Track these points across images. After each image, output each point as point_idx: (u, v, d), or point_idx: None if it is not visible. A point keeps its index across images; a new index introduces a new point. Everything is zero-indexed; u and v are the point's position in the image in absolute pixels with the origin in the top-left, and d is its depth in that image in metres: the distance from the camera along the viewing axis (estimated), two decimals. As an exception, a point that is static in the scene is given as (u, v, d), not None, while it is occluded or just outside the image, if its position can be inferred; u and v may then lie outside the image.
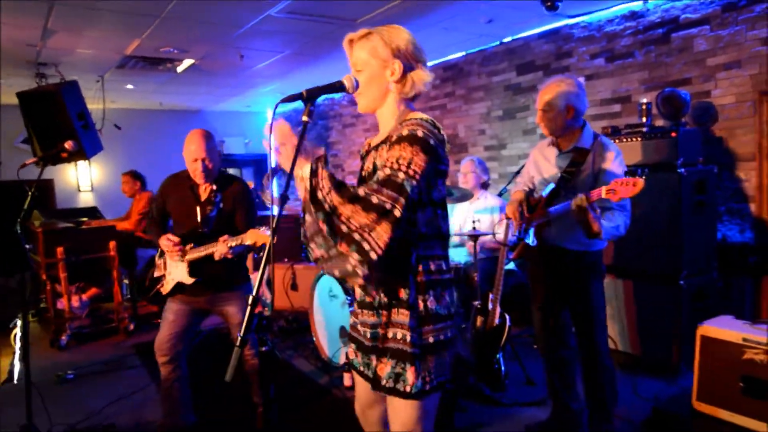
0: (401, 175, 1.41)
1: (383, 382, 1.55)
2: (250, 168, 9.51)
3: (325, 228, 1.41)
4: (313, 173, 1.43)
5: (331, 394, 3.57)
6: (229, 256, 2.62)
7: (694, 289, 3.45)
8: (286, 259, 5.60)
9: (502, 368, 3.37)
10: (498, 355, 3.33)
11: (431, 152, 1.46)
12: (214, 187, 2.84)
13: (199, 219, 2.80)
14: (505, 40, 5.32)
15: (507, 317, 3.28)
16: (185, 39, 4.62)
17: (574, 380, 2.75)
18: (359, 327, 1.68)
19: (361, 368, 1.68)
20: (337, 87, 1.54)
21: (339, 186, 1.42)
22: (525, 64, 5.19)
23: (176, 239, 2.73)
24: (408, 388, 1.50)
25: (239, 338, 1.34)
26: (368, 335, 1.62)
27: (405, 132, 1.47)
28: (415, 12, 4.23)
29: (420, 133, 1.46)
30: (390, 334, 1.55)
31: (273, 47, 5.10)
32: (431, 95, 6.30)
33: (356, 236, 1.38)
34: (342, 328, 3.92)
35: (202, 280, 2.76)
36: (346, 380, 3.65)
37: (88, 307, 5.11)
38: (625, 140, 3.61)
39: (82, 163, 7.43)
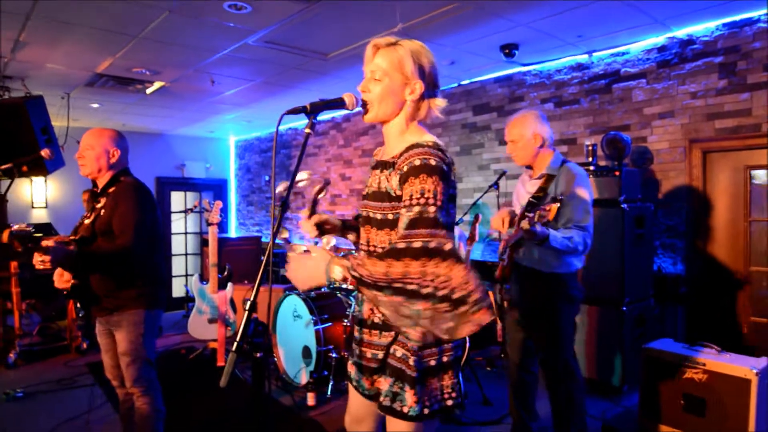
0: (432, 209, 1.42)
1: (381, 399, 1.55)
2: (209, 192, 9.48)
3: (399, 299, 1.37)
4: (350, 269, 1.42)
5: (295, 414, 3.62)
6: (43, 266, 2.22)
7: (634, 315, 3.78)
8: (246, 281, 5.63)
9: (462, 388, 3.54)
10: (457, 375, 3.50)
11: (447, 179, 1.47)
12: (99, 191, 2.58)
13: (79, 230, 2.53)
14: (463, 82, 5.70)
15: (467, 339, 3.46)
16: (159, 61, 4.71)
17: (533, 401, 2.89)
18: (362, 347, 1.66)
19: (355, 383, 1.71)
20: (338, 103, 1.56)
21: (375, 258, 1.41)
22: (481, 105, 5.57)
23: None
24: (405, 409, 1.49)
25: (235, 343, 1.33)
26: (370, 355, 1.62)
27: (417, 162, 1.46)
28: (384, 50, 4.51)
29: (433, 162, 1.46)
30: (391, 350, 1.56)
31: (245, 75, 5.26)
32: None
33: (425, 290, 1.35)
34: (305, 348, 4.00)
35: (81, 298, 2.49)
36: (310, 400, 3.71)
37: (39, 324, 4.95)
38: (573, 177, 3.96)
39: (37, 179, 7.23)
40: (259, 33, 4.05)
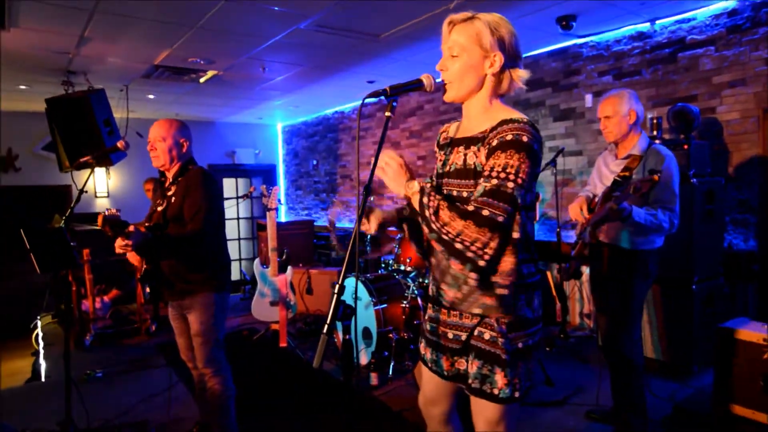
0: (510, 185, 1.40)
1: (470, 381, 1.55)
2: (259, 177, 9.69)
3: (439, 247, 1.44)
4: (422, 192, 1.47)
5: (359, 394, 3.68)
6: (124, 250, 2.32)
7: (704, 294, 3.64)
8: (300, 264, 5.74)
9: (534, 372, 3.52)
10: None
11: (535, 158, 1.44)
12: (170, 180, 2.67)
13: (153, 217, 2.62)
14: (516, 57, 5.56)
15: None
16: (213, 50, 4.79)
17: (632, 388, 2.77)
18: (441, 327, 1.64)
19: (430, 364, 1.70)
20: (417, 85, 1.51)
21: (449, 203, 1.44)
22: (534, 81, 5.42)
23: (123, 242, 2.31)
24: (496, 392, 1.50)
25: (326, 325, 1.31)
26: (451, 336, 1.60)
27: (509, 137, 1.43)
28: (435, 29, 4.43)
29: (525, 139, 1.42)
30: (476, 333, 1.54)
31: (295, 60, 5.29)
32: (441, 110, 6.52)
33: (470, 254, 1.39)
34: (365, 329, 4.06)
35: (153, 283, 2.57)
36: (373, 380, 3.77)
37: (110, 308, 5.20)
38: (637, 152, 3.82)
39: (99, 170, 7.56)
40: (311, 17, 4.05)
